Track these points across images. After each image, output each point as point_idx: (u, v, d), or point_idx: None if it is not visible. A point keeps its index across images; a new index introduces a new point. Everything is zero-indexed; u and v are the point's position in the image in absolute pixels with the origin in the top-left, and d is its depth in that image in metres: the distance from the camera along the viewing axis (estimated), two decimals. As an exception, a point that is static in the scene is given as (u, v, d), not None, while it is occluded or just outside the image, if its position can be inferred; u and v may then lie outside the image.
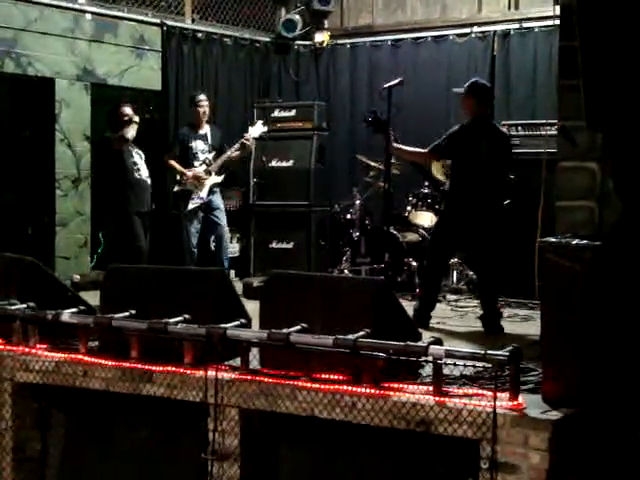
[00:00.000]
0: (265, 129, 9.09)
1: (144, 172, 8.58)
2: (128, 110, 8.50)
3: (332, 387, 4.21)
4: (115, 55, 9.44)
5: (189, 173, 8.74)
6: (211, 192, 8.78)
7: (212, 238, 8.91)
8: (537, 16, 9.43)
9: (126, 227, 8.46)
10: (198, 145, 8.85)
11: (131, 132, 8.42)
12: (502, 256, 6.73)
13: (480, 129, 6.66)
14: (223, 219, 8.89)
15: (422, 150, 6.88)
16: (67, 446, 5.28)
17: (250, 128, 9.00)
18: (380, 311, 4.38)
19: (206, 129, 8.93)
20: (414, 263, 8.41)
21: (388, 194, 7.41)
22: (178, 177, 8.82)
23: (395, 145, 6.96)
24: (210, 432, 4.46)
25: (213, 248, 8.94)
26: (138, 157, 8.56)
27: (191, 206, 8.74)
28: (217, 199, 8.89)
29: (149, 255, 8.59)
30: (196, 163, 8.81)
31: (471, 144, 6.58)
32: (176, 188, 8.86)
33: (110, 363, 4.83)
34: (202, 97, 8.93)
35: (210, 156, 8.83)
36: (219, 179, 8.86)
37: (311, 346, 4.27)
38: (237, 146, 8.80)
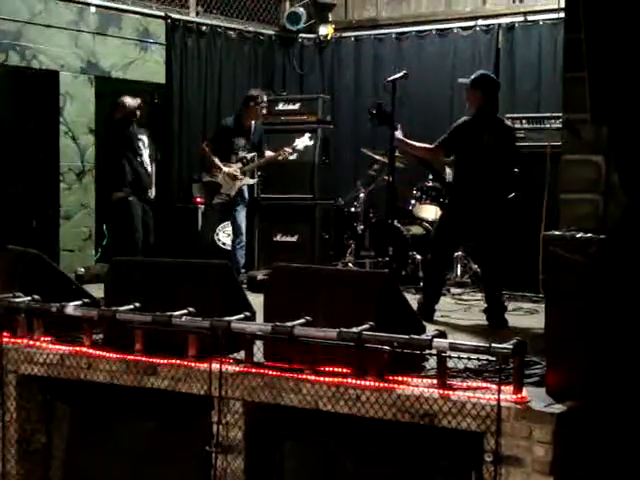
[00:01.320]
0: (311, 143, 9.00)
1: (146, 159, 8.57)
2: (129, 100, 8.52)
3: (336, 380, 4.21)
4: (119, 48, 9.44)
5: (225, 169, 8.66)
6: (240, 192, 8.74)
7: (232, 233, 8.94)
8: (542, 9, 9.41)
9: (125, 218, 8.46)
10: (240, 141, 8.77)
11: (132, 102, 8.46)
12: (506, 249, 6.73)
13: (485, 122, 6.64)
14: (242, 220, 8.86)
15: (429, 145, 6.85)
16: (71, 438, 5.30)
17: (297, 139, 8.91)
18: (384, 304, 4.38)
19: (252, 125, 8.85)
20: (418, 256, 8.42)
21: (392, 187, 7.40)
22: (213, 169, 8.73)
23: (403, 139, 6.92)
24: (214, 425, 4.47)
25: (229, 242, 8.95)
26: (142, 144, 8.55)
27: (216, 200, 8.69)
28: (243, 200, 8.85)
29: (159, 248, 8.59)
30: (233, 158, 8.74)
31: (476, 137, 6.57)
32: (207, 178, 8.79)
33: (114, 356, 4.83)
34: (265, 98, 8.84)
35: (249, 156, 8.76)
36: (252, 181, 8.85)
37: (315, 339, 4.27)
38: (280, 157, 8.75)
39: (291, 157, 9.57)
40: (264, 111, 8.87)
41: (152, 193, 8.70)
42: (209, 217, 8.86)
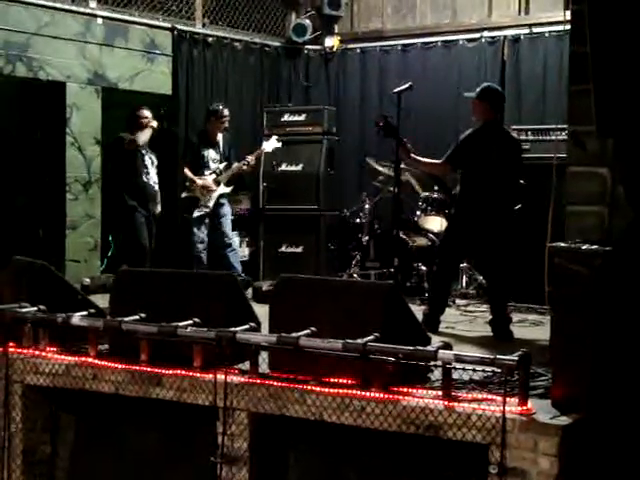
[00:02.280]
0: (279, 145, 9.13)
1: (153, 177, 8.63)
2: (147, 113, 8.60)
3: (341, 391, 4.22)
4: (126, 59, 9.47)
5: (199, 182, 8.87)
6: (218, 201, 8.87)
7: (220, 245, 8.98)
8: (547, 21, 9.42)
9: (129, 227, 8.53)
10: (210, 154, 8.98)
11: (144, 136, 8.49)
12: (512, 261, 6.72)
13: (491, 134, 6.66)
14: (228, 227, 8.99)
15: (437, 161, 6.86)
16: (77, 449, 5.30)
17: (264, 143, 9.08)
18: (389, 315, 4.39)
19: (219, 137, 9.05)
20: (423, 268, 8.41)
21: (397, 198, 7.40)
22: (187, 183, 8.93)
23: (412, 156, 6.94)
24: (219, 435, 4.47)
25: (221, 252, 9.01)
26: (150, 162, 8.62)
27: (196, 214, 8.88)
28: (224, 208, 8.99)
29: (157, 258, 8.62)
30: (207, 172, 8.91)
31: (482, 149, 6.58)
32: (184, 194, 9.02)
33: (120, 366, 4.84)
34: (227, 112, 9.05)
35: (221, 166, 8.96)
36: (227, 190, 8.99)
37: (320, 350, 4.27)
38: (247, 162, 8.88)
39: (295, 168, 9.63)
40: (226, 124, 9.04)
41: (158, 209, 8.74)
42: (195, 230, 8.91)
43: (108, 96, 9.36)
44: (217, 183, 8.90)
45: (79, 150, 9.11)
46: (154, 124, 8.59)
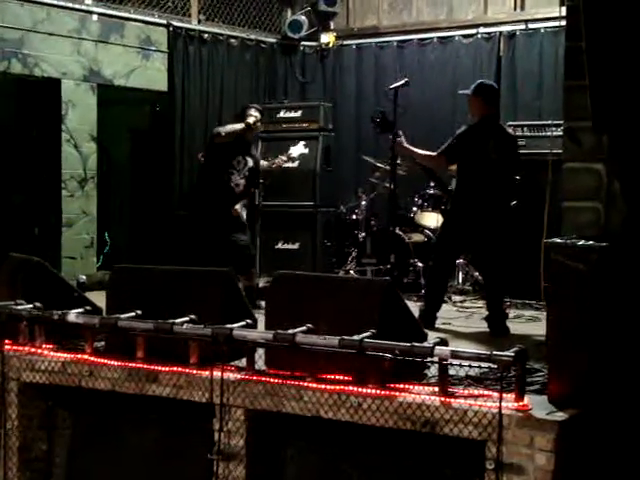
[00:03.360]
0: (307, 151, 8.91)
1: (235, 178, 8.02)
2: (254, 113, 7.94)
3: (338, 388, 4.22)
4: (121, 56, 9.46)
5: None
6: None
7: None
8: (543, 17, 9.42)
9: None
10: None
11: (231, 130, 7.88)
12: (508, 257, 6.73)
13: (487, 130, 6.66)
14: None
15: (432, 153, 6.86)
16: (73, 446, 5.30)
17: (292, 147, 8.89)
18: (386, 312, 4.38)
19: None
20: (420, 264, 8.42)
21: (394, 195, 7.40)
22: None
23: (406, 146, 6.94)
24: (216, 432, 4.47)
25: None
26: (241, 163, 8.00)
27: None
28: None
29: (155, 256, 8.57)
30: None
31: (478, 145, 6.58)
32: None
33: (116, 363, 4.83)
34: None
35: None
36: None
37: (317, 347, 4.27)
38: (274, 165, 8.61)
39: (292, 165, 9.58)
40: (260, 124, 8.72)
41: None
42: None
43: (104, 93, 9.35)
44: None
45: (75, 147, 9.10)
46: (257, 127, 8.02)
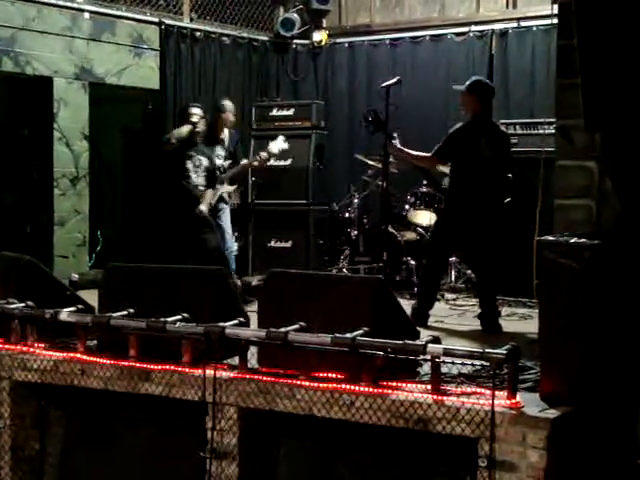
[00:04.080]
0: (286, 146, 8.90)
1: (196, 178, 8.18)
2: (196, 111, 8.15)
3: (330, 386, 4.22)
4: (113, 54, 9.44)
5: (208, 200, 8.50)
6: (221, 199, 8.67)
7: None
8: (535, 15, 9.42)
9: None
10: (217, 150, 8.62)
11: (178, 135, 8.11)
12: (501, 255, 6.74)
13: (481, 128, 6.67)
14: (228, 229, 8.77)
15: (426, 154, 6.86)
16: (66, 445, 5.29)
17: (271, 143, 8.77)
18: (379, 310, 4.39)
19: (225, 133, 8.80)
20: (412, 262, 8.43)
21: (386, 193, 7.40)
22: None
23: (401, 148, 6.95)
24: (208, 431, 4.47)
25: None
26: (197, 164, 8.17)
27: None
28: (225, 209, 8.75)
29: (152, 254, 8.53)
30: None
31: (472, 143, 6.59)
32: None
33: (108, 362, 4.83)
34: (232, 106, 8.74)
35: (225, 163, 8.73)
36: (231, 188, 8.74)
37: (309, 345, 4.27)
38: (255, 163, 8.66)
39: (285, 163, 9.58)
40: (232, 118, 8.77)
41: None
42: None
43: (96, 91, 9.33)
44: (221, 182, 8.56)
45: (67, 145, 9.07)
46: (198, 128, 8.13)
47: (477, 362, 4.15)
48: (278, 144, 8.80)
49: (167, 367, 4.64)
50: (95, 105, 9.30)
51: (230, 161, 8.78)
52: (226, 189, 8.68)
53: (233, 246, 8.90)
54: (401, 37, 10.47)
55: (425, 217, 8.76)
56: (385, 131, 6.88)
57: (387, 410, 4.05)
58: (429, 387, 4.09)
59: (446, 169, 7.44)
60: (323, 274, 6.70)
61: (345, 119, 10.68)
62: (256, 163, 8.72)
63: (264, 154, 8.68)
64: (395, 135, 6.97)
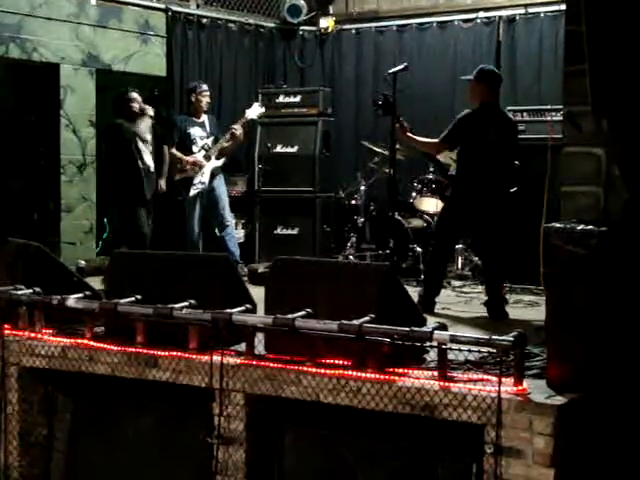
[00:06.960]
0: (263, 110, 9.03)
1: (148, 160, 8.57)
2: (137, 99, 8.52)
3: (337, 372, 4.22)
4: (120, 41, 9.44)
5: (189, 159, 8.70)
6: (213, 177, 8.75)
7: (217, 225, 8.88)
8: (543, 1, 9.40)
9: (130, 214, 8.48)
10: (197, 132, 8.81)
11: (142, 126, 8.48)
12: (507, 242, 6.73)
13: (488, 115, 6.65)
14: (226, 206, 8.86)
15: (434, 140, 6.85)
16: (73, 431, 5.30)
17: (247, 110, 8.93)
18: (385, 297, 4.39)
19: (204, 118, 8.89)
20: (419, 249, 8.42)
21: (393, 180, 7.40)
22: (178, 165, 8.77)
23: (408, 135, 6.94)
24: (215, 417, 4.48)
25: (218, 234, 8.91)
26: (144, 145, 8.55)
27: (193, 192, 8.69)
28: (220, 185, 8.87)
29: (153, 242, 8.60)
30: (195, 149, 8.77)
31: (479, 130, 6.57)
32: (177, 177, 8.82)
33: (116, 348, 4.84)
34: (205, 87, 8.92)
35: (209, 141, 8.80)
36: (219, 163, 8.80)
37: (316, 331, 4.27)
38: (234, 129, 8.73)
39: (292, 149, 9.58)
40: (209, 100, 8.92)
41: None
42: (191, 211, 8.80)
43: (102, 77, 9.33)
44: (207, 158, 8.71)
45: (73, 132, 9.09)
46: (150, 112, 8.55)
47: (484, 349, 4.16)
48: (255, 109, 8.88)
49: (174, 353, 4.65)
50: (101, 92, 9.30)
51: (212, 138, 8.84)
52: (215, 164, 8.74)
53: (233, 232, 8.95)
54: (408, 24, 10.45)
55: (432, 204, 8.75)
56: (394, 114, 6.87)
57: (393, 397, 4.05)
58: (435, 374, 4.09)
59: (451, 156, 7.43)
60: (330, 261, 6.70)
61: (352, 106, 10.67)
62: (235, 134, 8.70)
63: (242, 120, 8.79)
64: (402, 119, 6.96)
